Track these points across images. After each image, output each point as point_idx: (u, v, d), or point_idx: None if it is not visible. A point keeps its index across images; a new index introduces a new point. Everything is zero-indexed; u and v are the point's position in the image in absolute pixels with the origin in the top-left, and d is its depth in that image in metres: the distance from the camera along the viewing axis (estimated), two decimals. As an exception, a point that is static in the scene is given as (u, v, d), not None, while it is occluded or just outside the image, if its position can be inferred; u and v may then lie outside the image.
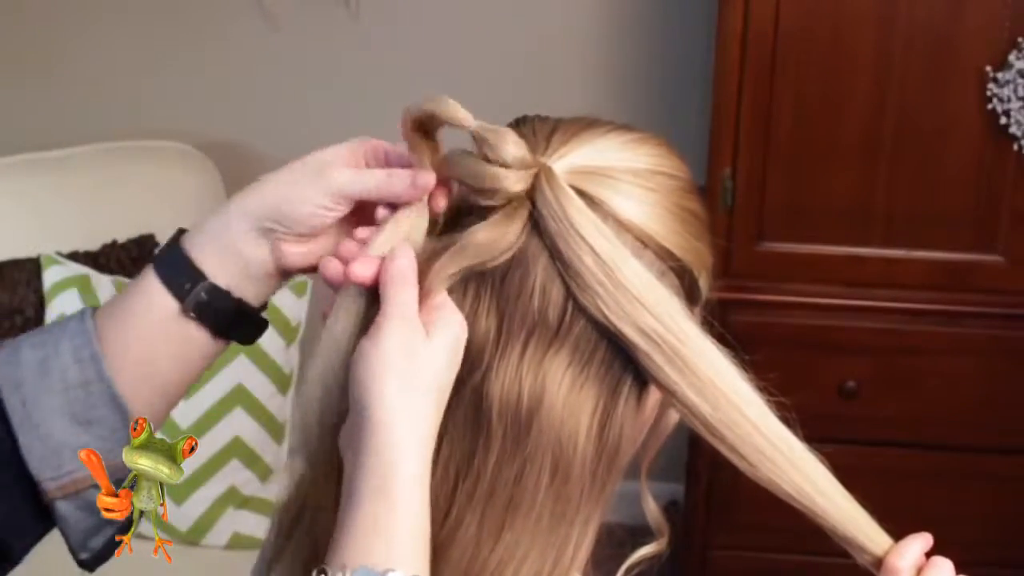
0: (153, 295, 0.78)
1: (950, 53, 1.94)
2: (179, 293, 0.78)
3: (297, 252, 0.78)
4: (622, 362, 0.71)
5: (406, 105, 0.76)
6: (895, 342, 2.08)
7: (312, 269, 0.79)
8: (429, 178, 0.74)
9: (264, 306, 0.82)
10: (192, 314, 0.78)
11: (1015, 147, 1.96)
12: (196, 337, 0.79)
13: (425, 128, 0.76)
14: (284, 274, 0.80)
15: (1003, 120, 1.94)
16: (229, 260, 0.78)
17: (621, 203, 0.71)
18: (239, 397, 2.02)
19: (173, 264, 0.78)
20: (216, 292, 0.78)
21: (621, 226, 0.71)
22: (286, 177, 0.77)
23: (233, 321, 0.79)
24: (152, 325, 0.78)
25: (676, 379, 0.70)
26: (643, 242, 0.71)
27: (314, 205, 0.76)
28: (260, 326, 0.82)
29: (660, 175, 0.73)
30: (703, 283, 0.76)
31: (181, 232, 0.80)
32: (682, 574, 2.25)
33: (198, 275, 0.77)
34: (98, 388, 0.76)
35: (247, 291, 0.79)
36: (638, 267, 0.70)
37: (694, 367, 0.70)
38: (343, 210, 0.77)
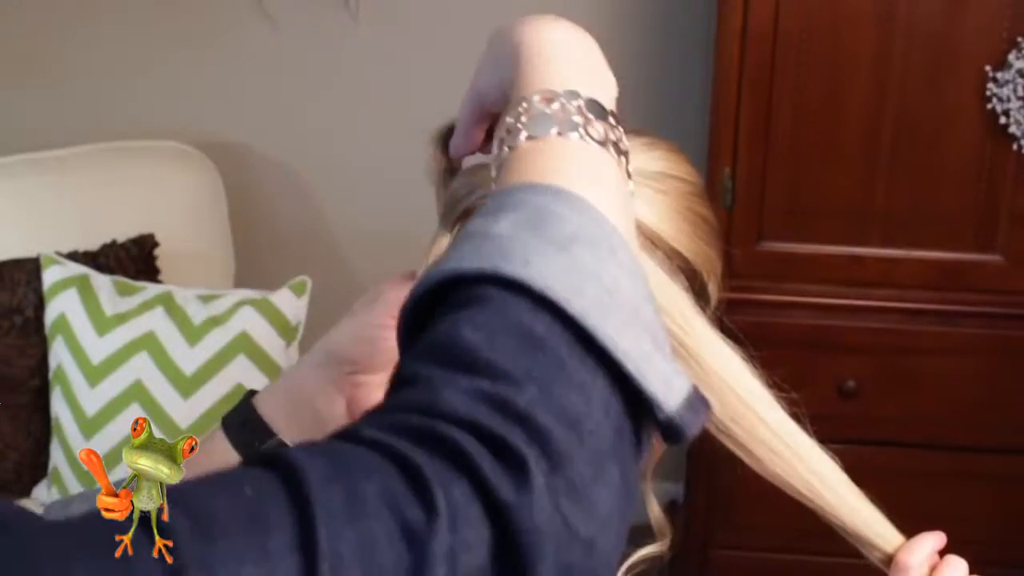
0: (216, 452, 0.76)
1: (950, 53, 1.94)
2: (247, 451, 0.76)
3: (377, 393, 0.76)
4: None
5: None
6: (895, 342, 2.08)
7: None
8: None
9: None
10: None
11: (1015, 147, 1.96)
12: None
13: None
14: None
15: (1003, 120, 1.94)
16: (301, 415, 0.76)
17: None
18: (239, 397, 2.02)
19: (244, 423, 0.77)
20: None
21: None
22: (348, 319, 0.76)
23: None
24: None
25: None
26: (653, 242, 0.71)
27: (394, 317, 0.75)
28: None
29: (671, 178, 0.73)
30: (712, 288, 0.76)
31: (251, 394, 0.79)
32: (682, 574, 2.25)
33: (267, 432, 0.76)
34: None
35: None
36: (647, 261, 0.69)
37: (701, 361, 0.69)
38: None
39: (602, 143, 0.60)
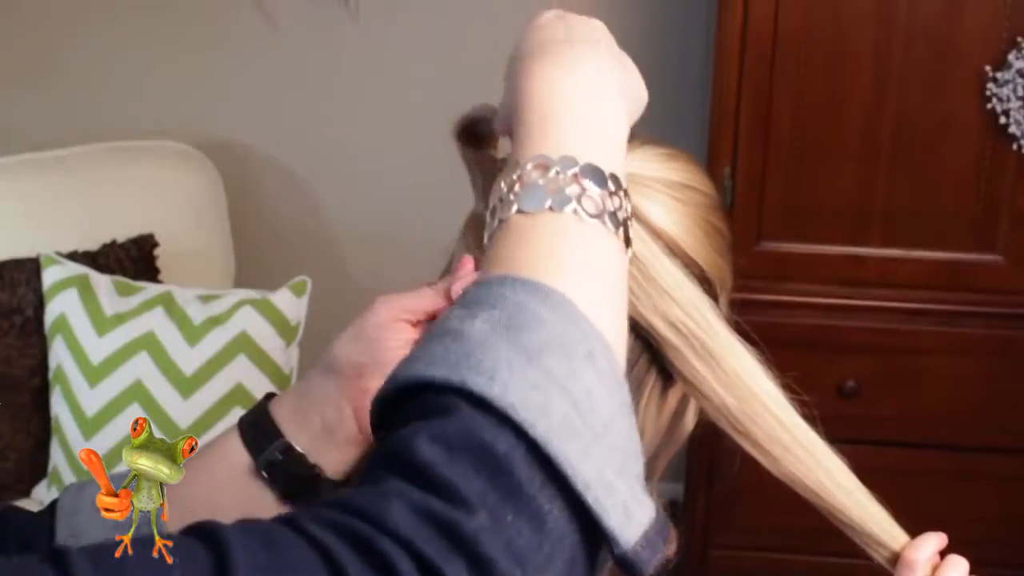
0: (230, 448, 0.77)
1: (950, 53, 1.94)
2: (255, 451, 0.76)
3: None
4: (647, 360, 0.72)
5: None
6: (895, 342, 2.08)
7: None
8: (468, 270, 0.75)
9: (345, 482, 0.78)
10: (264, 473, 0.76)
11: (1015, 147, 1.96)
12: (262, 498, 0.76)
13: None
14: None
15: (1003, 120, 1.94)
16: (310, 421, 0.76)
17: (652, 209, 0.72)
18: (239, 397, 2.02)
19: (256, 423, 0.77)
20: (291, 454, 0.76)
21: (652, 231, 0.72)
22: (348, 328, 0.77)
23: (305, 487, 0.76)
24: (221, 475, 0.76)
25: (703, 372, 0.70)
26: (671, 249, 0.72)
27: (391, 319, 0.75)
28: None
29: (690, 189, 0.75)
30: (722, 300, 0.77)
31: (270, 396, 0.80)
32: (682, 574, 2.25)
33: (276, 434, 0.76)
34: (146, 531, 0.74)
35: (327, 456, 0.76)
36: (669, 264, 0.70)
37: (721, 361, 0.70)
38: (418, 327, 0.76)
39: (598, 215, 0.58)
